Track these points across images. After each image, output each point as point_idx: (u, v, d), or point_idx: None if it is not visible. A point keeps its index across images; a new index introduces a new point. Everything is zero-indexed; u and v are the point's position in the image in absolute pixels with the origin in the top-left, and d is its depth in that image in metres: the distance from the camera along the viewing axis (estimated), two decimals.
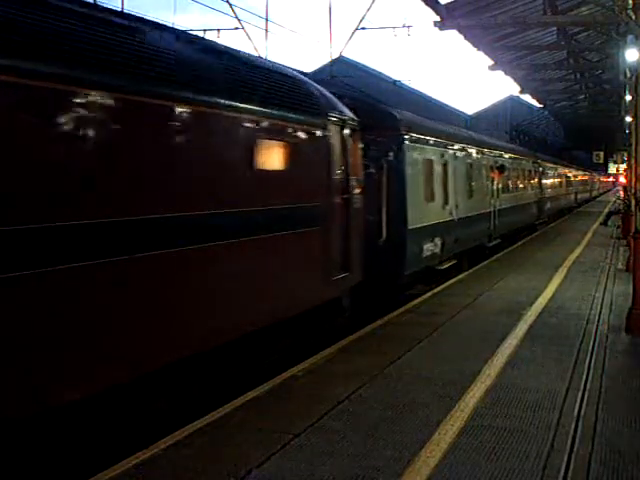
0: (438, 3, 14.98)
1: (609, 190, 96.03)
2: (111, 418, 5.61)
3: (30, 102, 4.54)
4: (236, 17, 17.83)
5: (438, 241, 13.92)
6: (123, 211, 5.26)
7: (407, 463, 5.10)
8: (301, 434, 5.63)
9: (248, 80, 7.14)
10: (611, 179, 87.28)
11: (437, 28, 15.32)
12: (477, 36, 18.53)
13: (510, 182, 22.75)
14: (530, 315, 10.48)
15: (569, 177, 44.32)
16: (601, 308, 11.17)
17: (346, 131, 9.40)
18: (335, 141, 8.98)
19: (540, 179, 29.75)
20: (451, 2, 15.39)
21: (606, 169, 54.45)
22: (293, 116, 7.88)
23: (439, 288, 13.24)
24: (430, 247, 13.48)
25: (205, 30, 19.57)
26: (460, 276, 14.83)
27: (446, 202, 14.82)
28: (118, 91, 5.23)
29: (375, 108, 12.83)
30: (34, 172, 4.55)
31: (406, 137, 12.43)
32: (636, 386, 7.08)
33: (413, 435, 5.64)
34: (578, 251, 19.67)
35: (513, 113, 58.68)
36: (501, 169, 20.43)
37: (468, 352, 8.29)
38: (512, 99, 60.28)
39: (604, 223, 31.12)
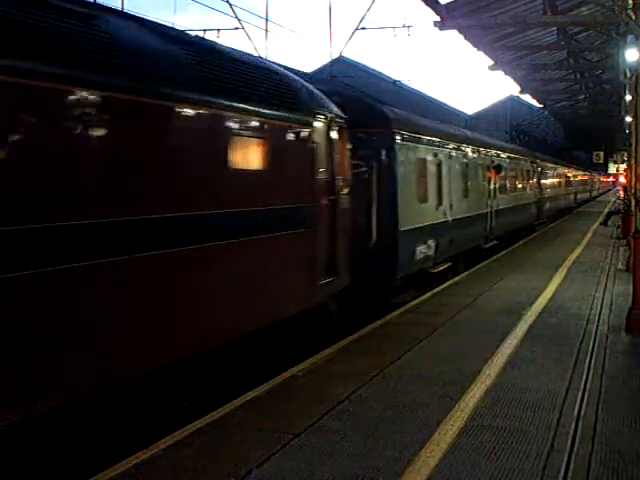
0: (438, 3, 14.98)
1: (609, 190, 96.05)
2: (112, 418, 5.61)
3: None
4: (236, 17, 17.86)
5: (432, 243, 13.57)
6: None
7: (407, 463, 5.10)
8: (301, 434, 5.63)
9: (221, 73, 6.71)
10: (611, 179, 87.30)
11: (437, 28, 15.32)
12: (477, 36, 18.52)
13: (508, 182, 22.47)
14: (530, 315, 10.48)
15: (568, 177, 44.27)
16: (601, 308, 11.17)
17: (333, 129, 9.03)
18: (320, 139, 8.59)
19: (539, 179, 29.56)
20: (451, 2, 15.39)
21: (606, 169, 54.45)
22: (272, 112, 7.45)
23: (439, 288, 13.24)
24: (423, 249, 13.13)
25: (205, 30, 19.56)
26: (460, 276, 14.83)
27: (440, 203, 14.46)
28: (50, 79, 4.72)
29: (365, 106, 12.39)
30: None
31: (397, 136, 12.05)
32: (636, 386, 7.08)
33: (413, 435, 5.64)
34: (578, 251, 19.67)
35: (513, 113, 58.71)
36: (498, 169, 20.14)
37: (468, 352, 8.29)
38: (512, 99, 60.32)
39: (604, 223, 31.14)
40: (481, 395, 6.67)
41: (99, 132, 5.10)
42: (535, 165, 28.78)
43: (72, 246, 4.83)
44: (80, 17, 5.28)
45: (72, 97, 4.87)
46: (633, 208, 12.29)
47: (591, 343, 8.83)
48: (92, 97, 5.01)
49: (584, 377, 7.32)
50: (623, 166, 38.86)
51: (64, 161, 4.85)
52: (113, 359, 5.25)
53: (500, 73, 23.44)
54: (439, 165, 14.53)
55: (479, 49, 19.50)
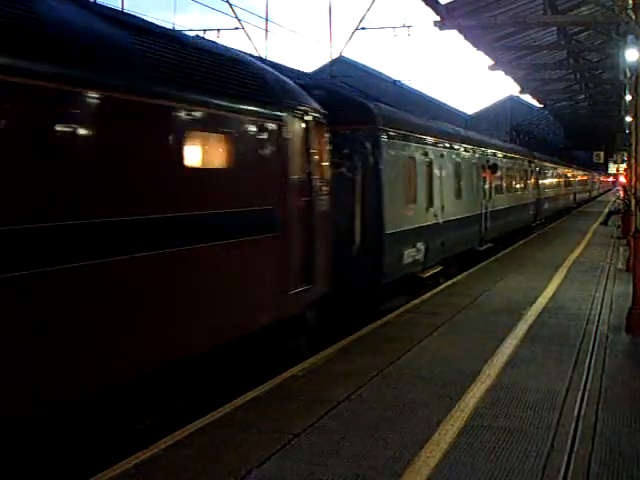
0: (438, 3, 14.98)
1: (609, 190, 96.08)
2: (112, 418, 5.61)
3: None
4: (236, 17, 17.86)
5: (421, 246, 12.92)
6: None
7: (407, 463, 5.09)
8: (301, 434, 5.63)
9: (168, 59, 6.04)
10: (611, 179, 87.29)
11: (437, 28, 15.31)
12: (477, 36, 18.52)
13: (504, 182, 21.90)
14: (530, 315, 10.48)
15: (568, 177, 44.20)
16: (601, 308, 11.17)
17: (309, 124, 8.33)
18: (293, 135, 7.88)
19: (537, 179, 29.24)
20: (451, 2, 15.39)
21: (606, 169, 54.41)
22: (233, 104, 6.74)
23: (439, 288, 13.24)
24: (412, 253, 12.49)
25: (205, 30, 19.57)
26: (460, 276, 14.82)
27: (430, 204, 13.79)
28: None
29: (350, 100, 11.73)
30: None
31: (383, 132, 11.33)
32: (636, 386, 7.07)
33: (413, 435, 5.64)
34: (578, 251, 19.67)
35: (513, 113, 58.67)
36: (494, 168, 19.55)
37: (468, 352, 8.29)
38: (512, 99, 60.27)
39: (604, 223, 31.16)
40: (481, 395, 6.67)
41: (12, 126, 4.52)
42: (533, 165, 28.48)
43: None
44: None
45: None
46: (633, 208, 12.29)
47: (591, 343, 8.83)
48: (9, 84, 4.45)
49: (584, 377, 7.32)
50: (623, 166, 38.84)
51: None
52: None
53: (500, 73, 23.45)
54: (429, 164, 13.90)
55: (479, 49, 19.50)
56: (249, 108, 7.07)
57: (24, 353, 4.61)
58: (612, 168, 48.80)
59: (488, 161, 19.47)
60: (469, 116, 62.65)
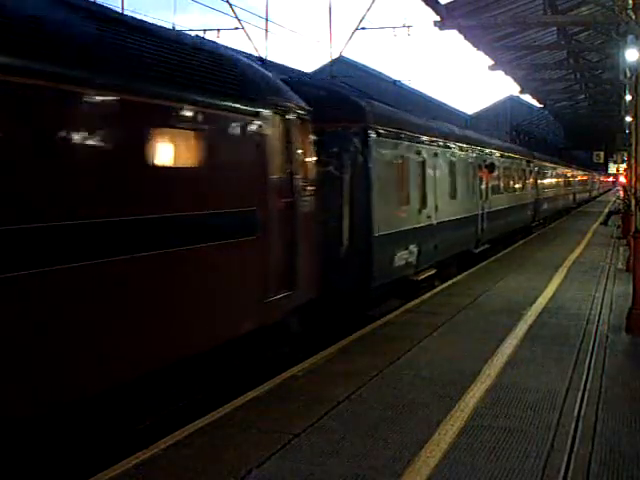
0: (438, 3, 14.98)
1: (609, 190, 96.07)
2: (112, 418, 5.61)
3: None
4: (236, 17, 17.80)
5: (414, 248, 12.46)
6: None
7: (407, 463, 5.10)
8: (301, 434, 5.63)
9: (135, 50, 5.65)
10: (611, 179, 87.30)
11: (437, 28, 15.30)
12: (477, 36, 18.51)
13: (501, 182, 21.52)
14: (530, 315, 10.48)
15: (568, 177, 44.16)
16: (601, 308, 11.17)
17: (292, 121, 7.99)
18: (274, 133, 7.51)
19: (536, 179, 29.01)
20: (451, 2, 15.39)
21: (606, 169, 54.41)
22: (204, 99, 6.34)
23: (439, 288, 13.24)
24: (404, 255, 12.02)
25: (205, 30, 19.57)
26: (460, 276, 14.82)
27: (424, 205, 13.29)
28: None
29: (338, 97, 11.24)
30: None
31: (373, 130, 10.83)
32: (636, 386, 7.07)
33: (413, 435, 5.64)
34: (578, 251, 19.67)
35: (513, 113, 58.68)
36: (490, 168, 19.11)
37: (468, 352, 8.29)
38: (512, 99, 60.26)
39: (604, 223, 31.16)
40: (481, 395, 6.67)
41: None
42: (532, 164, 28.27)
43: None
44: None
45: None
46: (633, 208, 12.29)
47: (591, 343, 8.83)
48: None
49: (584, 377, 7.32)
50: (623, 166, 38.85)
51: None
52: None
53: (500, 73, 23.44)
54: (423, 163, 13.42)
55: (479, 49, 19.48)
56: (222, 102, 6.67)
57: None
58: (612, 168, 48.79)
59: (485, 160, 19.07)
60: (469, 116, 62.65)
